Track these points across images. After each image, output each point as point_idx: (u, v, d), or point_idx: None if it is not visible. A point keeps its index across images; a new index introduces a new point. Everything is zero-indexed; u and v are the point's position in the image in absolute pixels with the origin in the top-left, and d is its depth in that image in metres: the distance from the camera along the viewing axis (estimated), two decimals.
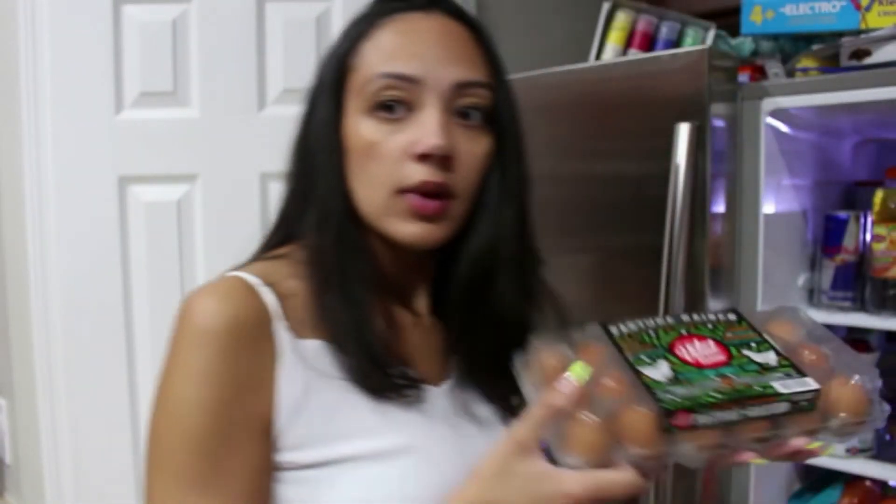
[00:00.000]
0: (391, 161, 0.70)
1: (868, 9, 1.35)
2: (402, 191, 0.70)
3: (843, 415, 0.64)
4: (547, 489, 0.60)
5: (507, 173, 0.77)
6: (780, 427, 0.63)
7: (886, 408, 0.65)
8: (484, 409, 0.79)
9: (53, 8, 1.63)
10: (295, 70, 1.70)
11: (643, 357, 0.68)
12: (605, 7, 1.65)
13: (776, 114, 1.34)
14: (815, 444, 0.64)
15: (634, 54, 1.63)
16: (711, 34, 1.59)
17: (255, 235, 0.87)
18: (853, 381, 0.64)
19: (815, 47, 1.43)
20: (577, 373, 0.62)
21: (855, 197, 1.68)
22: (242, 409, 0.67)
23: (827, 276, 1.48)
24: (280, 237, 0.79)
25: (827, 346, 0.69)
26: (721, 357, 0.67)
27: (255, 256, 0.79)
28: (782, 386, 0.63)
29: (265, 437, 0.68)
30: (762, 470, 1.39)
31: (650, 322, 0.73)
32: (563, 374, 0.66)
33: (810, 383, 0.64)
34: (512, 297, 0.78)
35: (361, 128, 0.71)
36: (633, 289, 1.44)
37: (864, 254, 1.45)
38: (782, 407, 0.63)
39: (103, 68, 1.65)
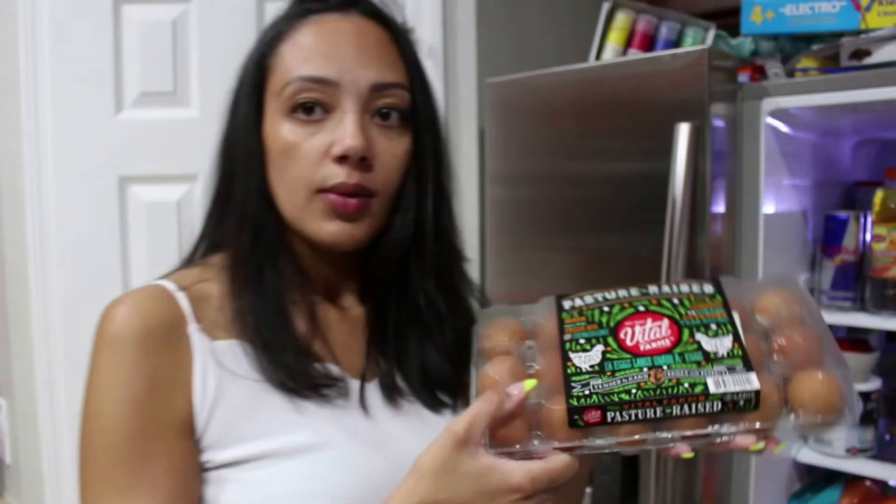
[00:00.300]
0: (310, 162, 0.71)
1: (868, 9, 1.35)
2: (321, 191, 0.71)
3: (803, 412, 0.61)
4: (493, 482, 0.60)
5: (425, 171, 0.78)
6: (717, 424, 0.61)
7: (860, 407, 0.61)
8: (414, 405, 0.78)
9: (53, 8, 1.63)
10: None
11: (580, 340, 0.67)
12: (605, 7, 1.65)
13: (776, 114, 1.34)
14: (757, 446, 0.61)
15: (634, 54, 1.63)
16: (711, 34, 1.59)
17: None
18: (822, 376, 0.61)
19: (815, 47, 1.43)
20: (528, 385, 0.63)
21: (855, 197, 1.68)
22: (160, 411, 0.67)
23: (827, 276, 1.48)
24: (206, 244, 0.80)
25: (809, 330, 0.65)
26: (666, 342, 0.65)
27: (181, 264, 0.80)
28: (716, 384, 0.61)
29: (188, 438, 0.68)
30: (762, 470, 1.39)
31: (611, 294, 0.71)
32: (507, 352, 0.68)
33: (752, 381, 0.60)
34: (429, 293, 0.79)
35: (280, 130, 0.72)
36: None
37: (864, 254, 1.45)
38: (715, 406, 0.61)
39: (103, 68, 1.65)
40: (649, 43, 1.64)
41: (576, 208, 1.51)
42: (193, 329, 0.70)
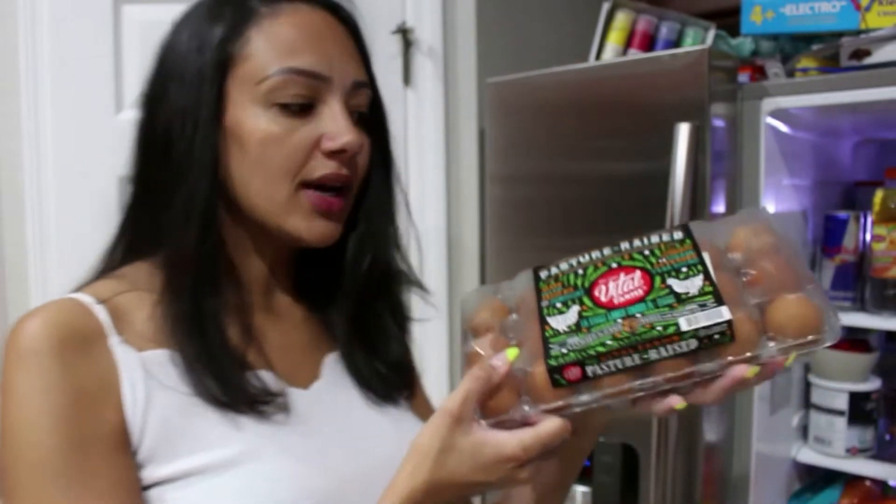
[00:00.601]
0: (298, 154, 0.70)
1: (868, 9, 1.35)
2: (305, 184, 0.70)
3: (783, 336, 0.61)
4: (487, 455, 0.62)
5: (388, 168, 0.80)
6: (700, 362, 0.62)
7: (838, 322, 0.61)
8: (363, 407, 0.78)
9: (53, 8, 1.63)
10: None
11: (557, 304, 0.69)
12: (605, 7, 1.65)
13: (776, 114, 1.34)
14: (753, 370, 0.61)
15: (634, 54, 1.63)
16: (711, 34, 1.59)
17: None
18: (795, 298, 0.62)
19: (815, 47, 1.43)
20: (511, 354, 0.65)
21: (855, 197, 1.68)
22: (89, 423, 0.62)
23: (827, 276, 1.48)
24: (123, 247, 0.75)
25: (780, 257, 0.66)
26: (639, 292, 0.66)
27: (95, 273, 0.75)
28: (687, 322, 0.61)
29: (126, 451, 0.64)
30: (762, 470, 1.39)
31: (585, 257, 0.73)
32: (490, 328, 0.70)
33: (723, 314, 0.61)
34: (403, 286, 0.82)
35: (260, 120, 0.69)
36: None
37: (864, 254, 1.45)
38: (691, 344, 0.61)
39: (103, 68, 1.65)
40: (649, 43, 1.64)
41: (576, 208, 1.51)
42: (115, 342, 0.66)
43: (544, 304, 0.70)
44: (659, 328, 0.62)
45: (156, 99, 0.73)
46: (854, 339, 1.50)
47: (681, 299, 0.64)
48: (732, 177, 1.36)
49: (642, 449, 1.38)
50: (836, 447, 1.44)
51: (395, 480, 0.63)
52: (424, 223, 1.78)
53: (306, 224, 0.71)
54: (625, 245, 0.71)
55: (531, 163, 1.58)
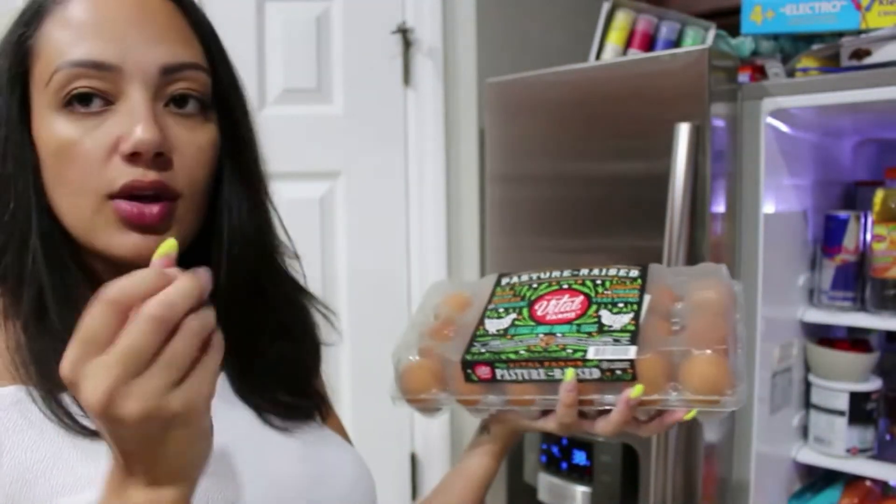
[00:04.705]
0: (94, 162, 0.59)
1: (868, 9, 1.35)
2: (112, 196, 0.60)
3: (685, 389, 0.63)
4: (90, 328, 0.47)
5: (241, 164, 0.68)
6: (603, 392, 0.65)
7: (744, 393, 0.62)
8: (259, 428, 0.69)
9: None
10: (295, 70, 1.70)
11: (500, 309, 0.74)
12: (605, 7, 1.65)
13: (776, 114, 1.34)
14: (637, 391, 0.63)
15: (634, 54, 1.63)
16: (711, 34, 1.59)
17: None
18: (708, 354, 0.62)
19: (815, 47, 1.43)
20: (162, 251, 0.49)
21: (855, 197, 1.68)
22: None
23: (827, 276, 1.48)
24: None
25: (719, 318, 0.67)
26: (571, 314, 0.69)
27: None
28: (596, 351, 0.64)
29: None
30: (762, 470, 1.39)
31: (546, 274, 0.76)
32: (453, 306, 0.76)
33: (629, 352, 0.63)
34: (280, 294, 0.73)
35: (53, 127, 0.60)
36: None
37: (864, 254, 1.45)
38: (594, 373, 0.64)
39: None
40: (649, 43, 1.64)
41: (576, 208, 1.51)
42: None
43: (491, 306, 0.74)
44: (568, 350, 0.65)
45: None
46: (854, 339, 1.50)
47: (602, 330, 0.67)
48: (732, 177, 1.36)
49: (642, 449, 1.38)
50: (837, 447, 1.44)
51: None
52: (424, 223, 1.78)
53: (117, 238, 0.60)
54: (584, 271, 0.75)
55: (531, 163, 1.58)
